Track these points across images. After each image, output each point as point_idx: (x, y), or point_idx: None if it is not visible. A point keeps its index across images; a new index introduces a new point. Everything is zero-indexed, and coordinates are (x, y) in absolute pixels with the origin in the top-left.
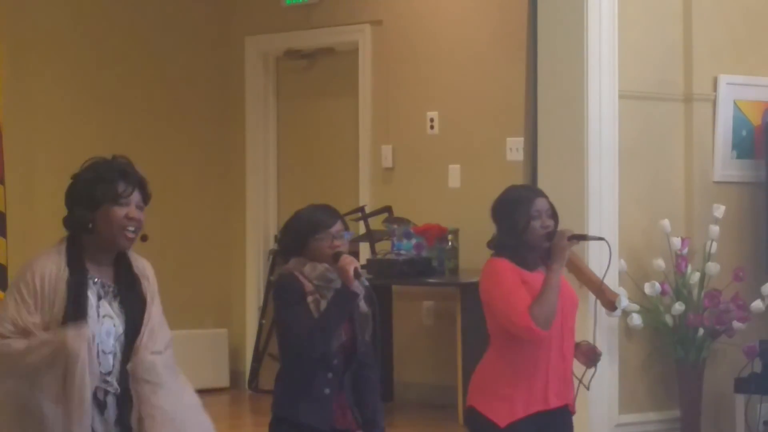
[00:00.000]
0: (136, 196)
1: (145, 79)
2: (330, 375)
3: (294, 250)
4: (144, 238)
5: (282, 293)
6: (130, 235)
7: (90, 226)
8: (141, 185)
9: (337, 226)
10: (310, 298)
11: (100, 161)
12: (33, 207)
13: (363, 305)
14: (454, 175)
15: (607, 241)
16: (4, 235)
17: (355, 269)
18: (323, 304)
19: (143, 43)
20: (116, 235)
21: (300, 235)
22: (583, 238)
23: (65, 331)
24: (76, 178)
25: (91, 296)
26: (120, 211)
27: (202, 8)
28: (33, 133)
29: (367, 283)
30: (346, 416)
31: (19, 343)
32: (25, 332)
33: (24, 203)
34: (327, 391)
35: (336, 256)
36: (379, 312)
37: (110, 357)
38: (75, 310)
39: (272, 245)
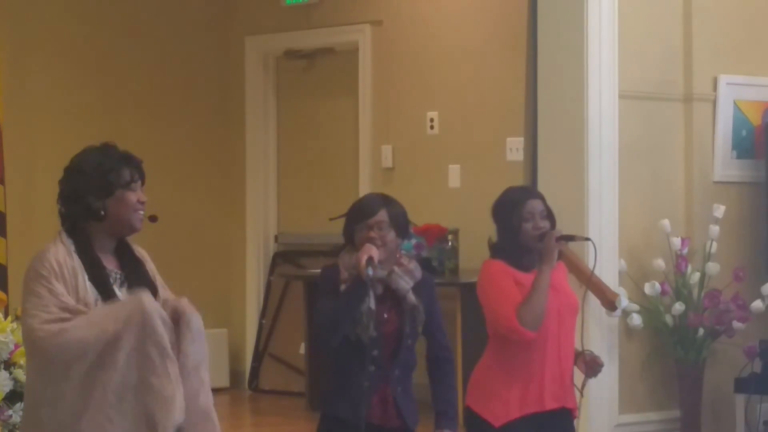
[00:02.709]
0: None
1: (145, 79)
2: (372, 368)
3: (347, 240)
4: (153, 219)
5: (320, 284)
6: (142, 217)
7: (102, 213)
8: (141, 167)
9: (377, 217)
10: (343, 287)
11: (98, 150)
12: (33, 207)
13: (411, 297)
14: (454, 175)
15: (593, 242)
16: (4, 235)
17: (369, 258)
18: None
19: (143, 43)
20: (132, 219)
21: (348, 224)
22: (571, 238)
23: (138, 293)
24: (75, 169)
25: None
26: (133, 196)
27: (202, 8)
28: (33, 133)
29: (381, 274)
30: (387, 411)
31: (84, 320)
32: (73, 311)
33: (24, 203)
34: (366, 384)
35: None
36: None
37: None
38: (103, 291)
39: (273, 245)
